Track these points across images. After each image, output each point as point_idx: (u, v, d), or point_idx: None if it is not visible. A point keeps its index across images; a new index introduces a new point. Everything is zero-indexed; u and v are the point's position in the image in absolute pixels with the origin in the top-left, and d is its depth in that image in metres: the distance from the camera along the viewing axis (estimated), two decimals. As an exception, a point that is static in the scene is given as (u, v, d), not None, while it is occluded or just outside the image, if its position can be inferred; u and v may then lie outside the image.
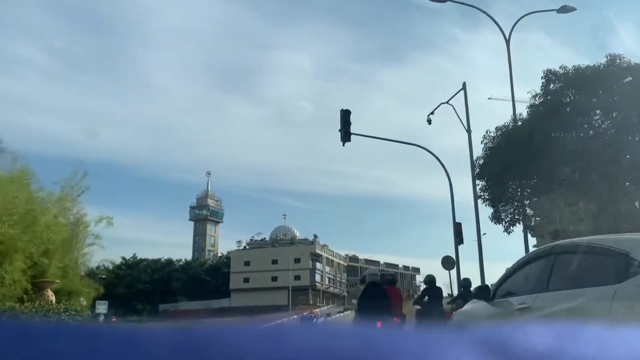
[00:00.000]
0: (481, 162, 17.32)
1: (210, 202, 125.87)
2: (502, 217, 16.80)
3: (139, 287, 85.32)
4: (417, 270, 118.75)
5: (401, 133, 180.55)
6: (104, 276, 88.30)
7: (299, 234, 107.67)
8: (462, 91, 18.96)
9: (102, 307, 33.14)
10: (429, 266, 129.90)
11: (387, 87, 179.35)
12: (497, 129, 17.02)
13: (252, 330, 0.80)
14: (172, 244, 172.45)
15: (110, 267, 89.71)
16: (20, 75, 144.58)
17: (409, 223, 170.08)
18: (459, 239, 18.13)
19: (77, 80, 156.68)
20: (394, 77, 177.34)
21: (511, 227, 16.67)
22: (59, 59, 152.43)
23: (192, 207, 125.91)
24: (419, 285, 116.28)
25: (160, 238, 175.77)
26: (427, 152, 18.80)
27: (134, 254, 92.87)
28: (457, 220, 18.75)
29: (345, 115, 17.39)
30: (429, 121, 18.02)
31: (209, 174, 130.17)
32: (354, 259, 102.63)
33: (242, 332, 0.79)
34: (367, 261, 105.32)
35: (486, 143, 16.94)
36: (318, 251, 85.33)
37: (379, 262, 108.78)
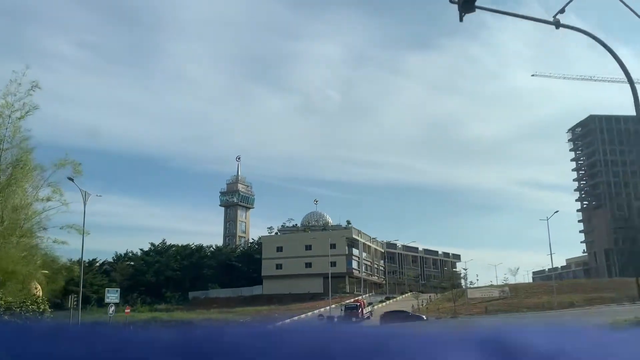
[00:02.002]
0: None
1: (240, 187, 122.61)
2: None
3: (168, 274, 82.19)
4: (457, 257, 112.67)
5: (430, 120, 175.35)
6: (131, 263, 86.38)
7: (331, 220, 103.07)
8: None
9: (112, 296, 29.22)
10: (472, 255, 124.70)
11: (416, 74, 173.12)
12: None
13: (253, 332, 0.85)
14: (203, 232, 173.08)
15: (139, 254, 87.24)
16: (54, 69, 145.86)
17: (439, 212, 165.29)
18: None
19: (109, 73, 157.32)
20: (423, 64, 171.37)
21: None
22: (92, 53, 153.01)
23: (222, 193, 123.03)
24: (460, 273, 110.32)
25: (191, 227, 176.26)
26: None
27: (163, 239, 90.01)
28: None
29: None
30: (557, 24, 12.17)
31: (239, 158, 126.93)
32: (392, 245, 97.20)
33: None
34: (406, 247, 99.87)
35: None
36: (355, 236, 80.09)
37: (417, 248, 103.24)
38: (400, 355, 0.93)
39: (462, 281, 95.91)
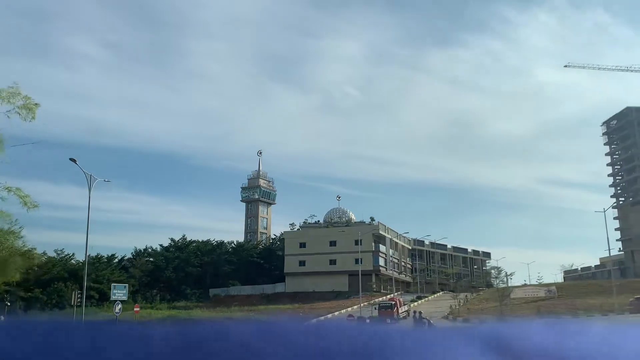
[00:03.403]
0: None
1: (262, 182, 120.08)
2: None
3: (188, 270, 79.62)
4: (487, 255, 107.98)
5: (451, 117, 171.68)
6: (151, 259, 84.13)
7: (354, 217, 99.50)
8: None
9: (119, 293, 26.10)
10: (501, 254, 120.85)
11: (437, 71, 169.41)
12: None
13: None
14: (224, 230, 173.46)
15: (158, 250, 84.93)
16: (78, 69, 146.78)
17: (460, 211, 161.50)
18: None
19: (132, 72, 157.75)
20: (444, 61, 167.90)
21: None
22: (115, 52, 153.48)
23: (243, 188, 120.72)
24: (490, 271, 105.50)
25: (212, 224, 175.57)
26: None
27: (183, 235, 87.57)
28: None
29: None
30: None
31: (260, 153, 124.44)
32: (420, 242, 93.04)
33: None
34: (434, 244, 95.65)
35: None
36: (382, 232, 76.23)
37: (445, 245, 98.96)
38: (404, 355, 0.91)
39: (495, 280, 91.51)
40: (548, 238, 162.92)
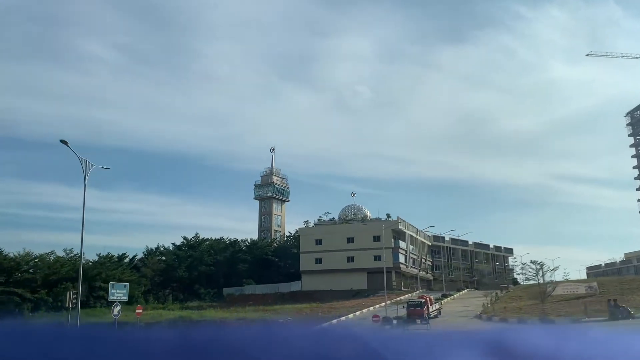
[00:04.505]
0: None
1: (275, 179, 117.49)
2: None
3: (201, 269, 77.11)
4: (509, 250, 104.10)
5: (463, 114, 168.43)
6: (163, 258, 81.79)
7: (370, 214, 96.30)
8: None
9: (118, 293, 23.14)
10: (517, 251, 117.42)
11: (448, 68, 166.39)
12: None
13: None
14: (237, 229, 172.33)
15: (171, 248, 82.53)
16: (91, 72, 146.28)
17: (473, 208, 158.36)
18: None
19: (143, 74, 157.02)
20: (455, 58, 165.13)
21: None
22: (126, 55, 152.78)
23: (256, 186, 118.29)
24: (512, 268, 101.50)
25: (225, 224, 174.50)
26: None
27: (196, 233, 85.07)
28: None
29: None
30: None
31: (273, 150, 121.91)
32: (439, 238, 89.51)
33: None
34: (454, 241, 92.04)
35: None
36: (402, 228, 72.91)
37: (467, 241, 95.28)
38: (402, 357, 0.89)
39: (536, 275, 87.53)
40: (562, 234, 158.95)
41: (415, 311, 35.95)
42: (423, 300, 37.95)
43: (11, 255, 56.34)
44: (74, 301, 22.45)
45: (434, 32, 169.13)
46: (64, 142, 20.66)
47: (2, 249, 56.79)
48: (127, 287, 26.15)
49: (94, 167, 23.73)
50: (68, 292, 23.08)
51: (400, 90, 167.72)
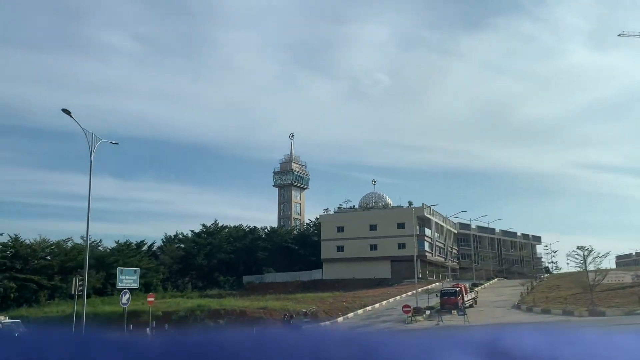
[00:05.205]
0: None
1: (294, 166, 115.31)
2: None
3: (221, 257, 75.54)
4: (537, 239, 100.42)
5: (484, 102, 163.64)
6: (182, 245, 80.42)
7: (391, 201, 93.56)
8: None
9: (128, 279, 21.05)
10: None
11: (468, 55, 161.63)
12: None
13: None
14: (257, 219, 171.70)
15: (189, 236, 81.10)
16: (111, 62, 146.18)
17: (494, 197, 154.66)
18: None
19: (162, 64, 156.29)
20: (475, 45, 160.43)
21: None
22: (146, 45, 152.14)
23: (275, 173, 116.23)
24: (539, 257, 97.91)
25: (244, 213, 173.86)
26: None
27: (215, 220, 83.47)
28: None
29: None
30: None
31: (292, 136, 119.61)
32: (465, 226, 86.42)
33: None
34: (481, 228, 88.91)
35: None
36: (427, 214, 70.12)
37: (494, 229, 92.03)
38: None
39: (551, 266, 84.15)
40: (587, 223, 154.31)
41: (450, 300, 33.47)
42: (458, 289, 35.41)
43: (27, 242, 55.36)
44: (80, 289, 20.55)
45: (453, 19, 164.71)
46: (66, 111, 18.66)
47: (19, 236, 55.86)
48: (138, 272, 24.09)
49: (101, 142, 21.76)
50: (74, 279, 21.13)
51: (419, 77, 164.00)
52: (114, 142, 23.45)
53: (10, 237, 55.53)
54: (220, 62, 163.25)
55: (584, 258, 32.00)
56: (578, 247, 32.35)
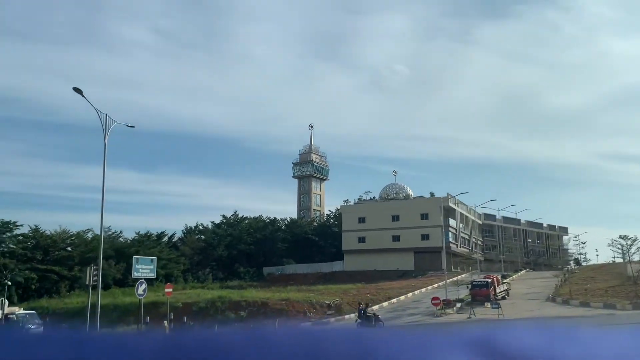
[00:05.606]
0: None
1: (314, 157, 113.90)
2: None
3: (241, 248, 74.86)
4: (564, 230, 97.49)
5: (506, 92, 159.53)
6: (202, 236, 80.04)
7: (412, 193, 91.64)
8: None
9: (144, 269, 20.03)
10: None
11: (489, 44, 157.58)
12: None
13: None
14: (276, 211, 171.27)
15: (210, 227, 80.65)
16: (132, 56, 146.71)
17: (516, 188, 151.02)
18: None
19: (183, 57, 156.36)
20: (497, 34, 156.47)
21: None
22: (166, 38, 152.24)
23: (295, 164, 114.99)
24: (566, 248, 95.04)
25: (264, 206, 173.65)
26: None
27: (235, 211, 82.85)
28: None
29: None
30: None
31: (312, 127, 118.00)
32: (490, 217, 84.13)
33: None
34: (507, 219, 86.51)
35: None
36: (452, 204, 68.20)
37: (519, 220, 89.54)
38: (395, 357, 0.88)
39: (580, 258, 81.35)
40: (614, 215, 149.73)
41: (481, 292, 31.89)
42: (489, 280, 33.76)
43: (47, 233, 55.26)
44: (95, 279, 19.61)
45: (474, 7, 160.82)
46: (77, 90, 17.69)
47: (40, 227, 55.81)
48: (155, 262, 23.08)
49: (115, 124, 20.78)
50: (88, 269, 20.22)
51: (439, 68, 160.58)
52: (129, 124, 22.49)
53: (30, 227, 55.59)
54: (240, 55, 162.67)
55: (627, 248, 30.06)
56: (620, 236, 30.41)
